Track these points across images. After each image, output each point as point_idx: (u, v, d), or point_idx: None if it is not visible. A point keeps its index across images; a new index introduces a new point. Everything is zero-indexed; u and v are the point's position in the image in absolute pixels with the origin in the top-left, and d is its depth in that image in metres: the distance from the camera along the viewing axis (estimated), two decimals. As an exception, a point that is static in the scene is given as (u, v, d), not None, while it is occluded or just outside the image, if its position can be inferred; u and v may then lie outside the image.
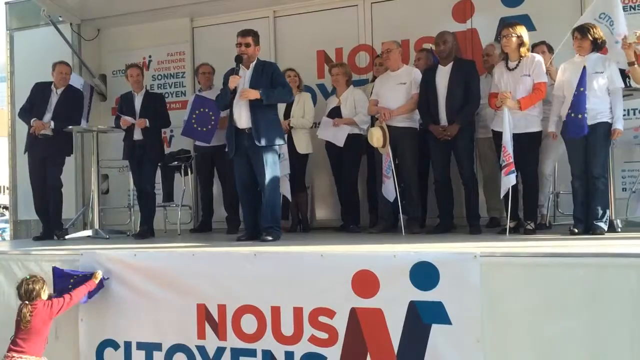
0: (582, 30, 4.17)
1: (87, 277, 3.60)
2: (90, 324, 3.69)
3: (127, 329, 3.62)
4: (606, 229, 4.08)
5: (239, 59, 4.52)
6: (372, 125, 5.06)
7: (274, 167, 4.50)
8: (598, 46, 4.18)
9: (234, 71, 4.54)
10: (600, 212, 4.07)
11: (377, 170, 5.09)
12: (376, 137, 4.69)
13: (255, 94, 4.38)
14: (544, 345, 2.86)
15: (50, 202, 5.40)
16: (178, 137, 6.46)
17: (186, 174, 6.01)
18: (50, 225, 5.43)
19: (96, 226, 5.45)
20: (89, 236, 5.37)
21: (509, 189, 4.15)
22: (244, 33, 4.57)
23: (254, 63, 4.57)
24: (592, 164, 4.13)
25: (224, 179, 5.91)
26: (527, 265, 2.98)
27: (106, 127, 5.76)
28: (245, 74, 4.54)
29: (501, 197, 4.36)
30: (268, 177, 4.42)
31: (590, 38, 4.14)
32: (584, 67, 4.03)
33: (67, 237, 5.30)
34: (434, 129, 4.69)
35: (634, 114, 5.19)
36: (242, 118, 4.47)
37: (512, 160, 4.13)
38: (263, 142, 4.41)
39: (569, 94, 4.15)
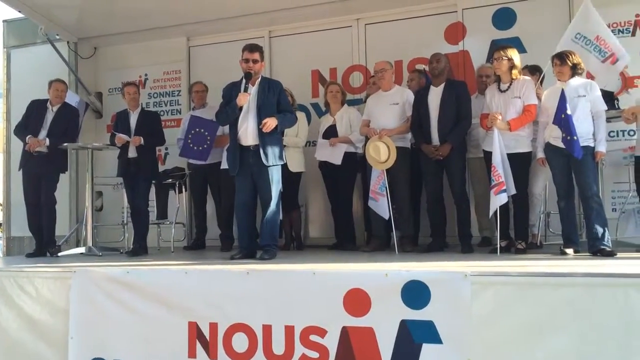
0: (561, 57, 4.26)
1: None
2: (80, 341, 3.66)
3: (117, 347, 3.59)
4: (610, 247, 4.06)
5: (248, 76, 4.43)
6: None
7: (279, 185, 4.47)
8: (577, 72, 4.26)
9: (236, 86, 4.49)
10: (600, 231, 4.06)
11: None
12: (383, 151, 4.66)
13: (274, 122, 4.34)
14: (535, 364, 2.86)
15: (44, 219, 5.40)
16: (172, 155, 6.50)
17: (180, 191, 6.03)
18: (43, 242, 5.42)
19: (89, 243, 5.44)
20: (82, 253, 5.36)
21: (497, 208, 4.21)
22: (252, 48, 4.49)
23: (259, 80, 4.52)
24: (580, 185, 4.18)
25: (217, 197, 5.93)
26: (518, 284, 2.98)
27: (101, 144, 5.78)
28: (251, 90, 4.47)
29: (490, 216, 4.40)
30: (274, 194, 4.40)
31: (570, 64, 4.22)
32: (562, 91, 4.10)
33: (60, 254, 5.29)
34: (426, 148, 4.74)
35: (623, 135, 5.27)
36: (249, 136, 4.42)
37: (502, 179, 4.18)
38: (270, 161, 4.39)
39: (550, 119, 4.22)
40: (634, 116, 4.42)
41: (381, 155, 4.68)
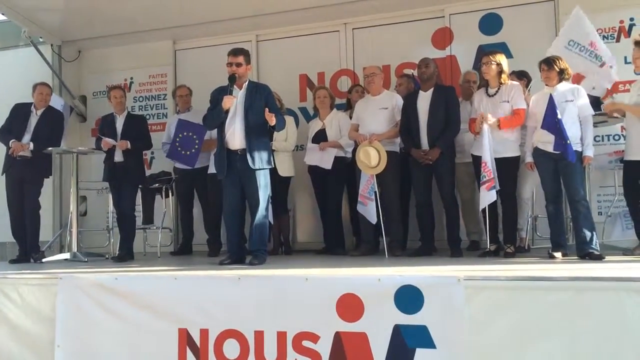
0: (549, 62, 4.30)
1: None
2: (67, 350, 3.58)
3: (105, 355, 3.52)
4: (599, 251, 4.10)
5: (232, 79, 4.41)
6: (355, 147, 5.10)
7: (267, 189, 4.44)
8: (565, 77, 4.30)
9: (223, 90, 4.44)
10: (588, 235, 4.10)
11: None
12: (373, 156, 4.67)
13: (273, 120, 4.28)
14: (527, 368, 2.87)
15: (28, 224, 5.31)
16: (159, 159, 6.44)
17: (167, 196, 5.96)
18: (27, 248, 5.32)
19: (74, 249, 5.35)
20: (66, 259, 5.26)
21: (486, 208, 4.24)
22: (235, 52, 4.48)
23: (246, 83, 4.49)
24: (568, 189, 4.22)
25: (204, 201, 5.89)
26: (511, 288, 2.99)
27: (86, 148, 5.69)
28: (238, 93, 4.44)
29: (479, 210, 4.41)
30: (261, 198, 4.36)
31: (557, 69, 4.26)
32: (550, 96, 4.15)
33: (44, 260, 5.20)
34: (415, 152, 4.75)
35: (609, 139, 5.34)
36: (236, 139, 4.38)
37: (492, 176, 4.21)
38: (257, 165, 4.35)
39: (538, 124, 4.25)
40: (612, 112, 4.46)
41: (372, 160, 4.69)
